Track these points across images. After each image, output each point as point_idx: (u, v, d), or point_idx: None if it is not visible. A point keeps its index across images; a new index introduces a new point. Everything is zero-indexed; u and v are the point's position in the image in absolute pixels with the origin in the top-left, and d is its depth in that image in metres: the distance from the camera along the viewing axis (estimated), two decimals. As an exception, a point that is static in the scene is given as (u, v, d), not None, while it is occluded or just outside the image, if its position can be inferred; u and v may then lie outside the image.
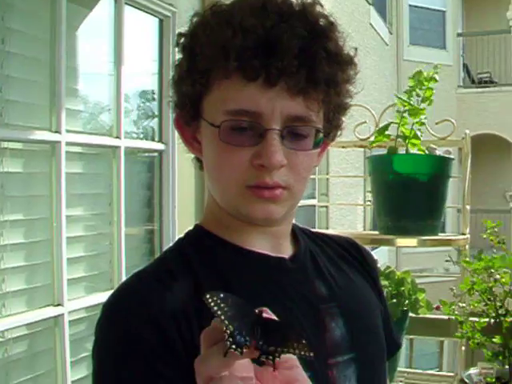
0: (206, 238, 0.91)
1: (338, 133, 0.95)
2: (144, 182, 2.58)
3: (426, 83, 2.04)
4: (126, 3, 2.33)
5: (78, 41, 2.17)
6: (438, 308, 2.36)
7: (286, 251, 0.94)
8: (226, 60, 0.79)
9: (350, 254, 1.05)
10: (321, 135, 0.86)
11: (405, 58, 11.60)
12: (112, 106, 2.28)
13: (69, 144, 2.00)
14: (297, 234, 0.98)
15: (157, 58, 2.54)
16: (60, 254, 1.95)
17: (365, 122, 2.46)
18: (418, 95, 2.07)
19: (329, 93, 0.83)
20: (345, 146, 2.72)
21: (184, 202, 2.52)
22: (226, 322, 0.54)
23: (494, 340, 2.12)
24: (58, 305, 1.96)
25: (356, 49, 0.88)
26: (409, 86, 2.10)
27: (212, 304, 0.56)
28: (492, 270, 2.14)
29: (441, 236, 2.23)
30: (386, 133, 2.20)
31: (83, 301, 2.02)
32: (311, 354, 0.58)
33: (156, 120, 2.57)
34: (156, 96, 2.58)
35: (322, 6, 0.86)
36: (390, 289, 2.26)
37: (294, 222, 0.98)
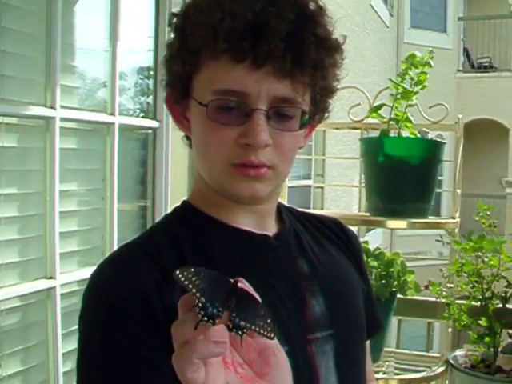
0: (192, 214, 0.94)
1: (326, 115, 0.97)
2: (138, 159, 2.59)
3: (420, 67, 2.05)
4: (123, -21, 2.32)
5: (75, 17, 2.17)
6: (426, 287, 2.39)
7: (271, 229, 0.96)
8: (214, 41, 0.81)
9: (334, 234, 1.07)
10: (306, 117, 0.88)
11: (405, 41, 11.56)
12: (107, 82, 2.29)
13: (63, 120, 2.01)
14: (282, 212, 1.01)
15: (153, 34, 2.54)
16: (53, 227, 1.97)
17: (359, 104, 2.47)
18: (411, 78, 2.08)
19: (315, 76, 0.85)
20: (339, 128, 2.73)
21: (177, 180, 2.54)
22: (198, 295, 0.56)
23: (479, 322, 2.15)
24: (51, 278, 1.98)
25: (345, 36, 0.90)
26: (402, 69, 2.12)
27: (182, 279, 0.57)
28: (480, 253, 2.16)
29: (431, 219, 2.25)
30: (381, 115, 2.22)
31: (75, 274, 2.03)
32: (272, 336, 0.60)
33: (151, 97, 2.57)
34: (151, 73, 2.58)
35: None
36: (379, 270, 2.29)
37: (279, 200, 1.01)
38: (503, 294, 2.14)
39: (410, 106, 2.10)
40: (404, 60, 2.12)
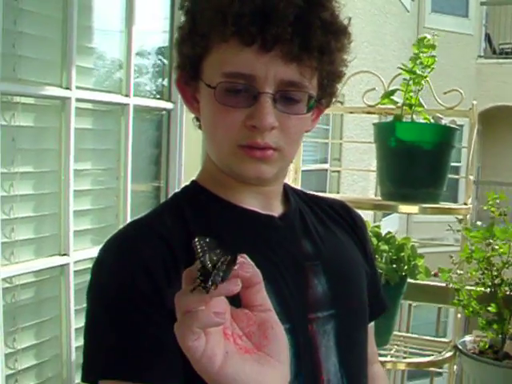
0: (201, 193, 0.96)
1: (333, 100, 0.98)
2: (152, 140, 2.60)
3: (425, 50, 2.04)
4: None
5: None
6: (436, 275, 2.40)
7: (277, 210, 0.98)
8: (223, 25, 0.82)
9: (340, 216, 1.09)
10: (313, 101, 0.90)
11: (426, 26, 11.39)
12: (122, 64, 2.30)
13: (79, 100, 2.03)
14: (288, 194, 1.02)
15: (168, 16, 2.54)
16: (67, 206, 2.00)
17: (374, 89, 2.47)
18: (421, 63, 2.08)
19: (322, 60, 0.86)
20: (353, 112, 2.74)
21: (190, 161, 2.55)
22: (202, 259, 0.58)
23: (488, 309, 2.16)
24: (64, 254, 2.02)
25: (350, 18, 0.91)
26: (413, 53, 2.11)
27: (198, 246, 0.60)
28: (491, 241, 2.16)
29: (442, 204, 2.25)
30: (395, 100, 2.22)
31: (88, 252, 2.06)
32: (235, 268, 0.60)
33: (166, 79, 2.58)
34: (167, 55, 2.59)
35: None
36: (389, 254, 2.30)
37: (285, 182, 1.03)
38: (512, 281, 2.15)
39: (420, 89, 2.09)
40: (415, 43, 2.12)
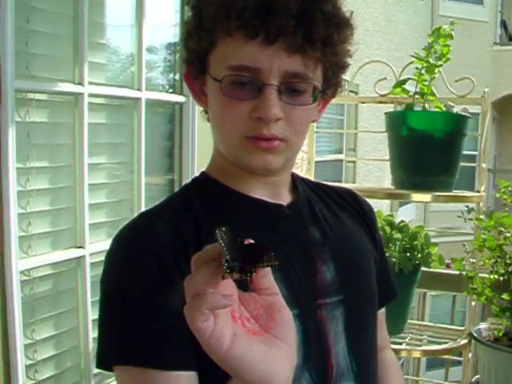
0: (210, 184, 0.98)
1: (339, 90, 1.00)
2: (165, 133, 2.62)
3: (440, 40, 2.04)
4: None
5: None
6: (448, 266, 2.40)
7: (285, 199, 0.99)
8: (228, 20, 0.84)
9: (348, 204, 1.10)
10: (318, 92, 0.91)
11: (440, 14, 11.30)
12: (133, 58, 2.32)
13: (91, 95, 2.05)
14: (296, 182, 1.04)
15: (179, 9, 2.55)
16: (82, 199, 2.03)
17: (385, 78, 2.47)
18: (435, 52, 2.07)
19: (325, 52, 0.88)
20: (364, 102, 2.74)
21: (203, 153, 2.57)
22: (225, 250, 0.60)
23: (502, 296, 2.16)
24: (80, 247, 2.06)
25: (352, 12, 0.92)
26: (428, 42, 2.11)
27: (218, 236, 0.62)
28: (502, 229, 2.16)
29: (455, 192, 2.25)
30: (406, 89, 2.22)
31: (104, 244, 2.09)
32: (277, 263, 0.63)
33: (178, 73, 2.60)
34: (178, 48, 2.60)
35: None
36: (403, 242, 2.31)
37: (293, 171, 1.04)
38: (525, 269, 2.14)
39: (432, 79, 2.09)
40: (430, 33, 2.12)
